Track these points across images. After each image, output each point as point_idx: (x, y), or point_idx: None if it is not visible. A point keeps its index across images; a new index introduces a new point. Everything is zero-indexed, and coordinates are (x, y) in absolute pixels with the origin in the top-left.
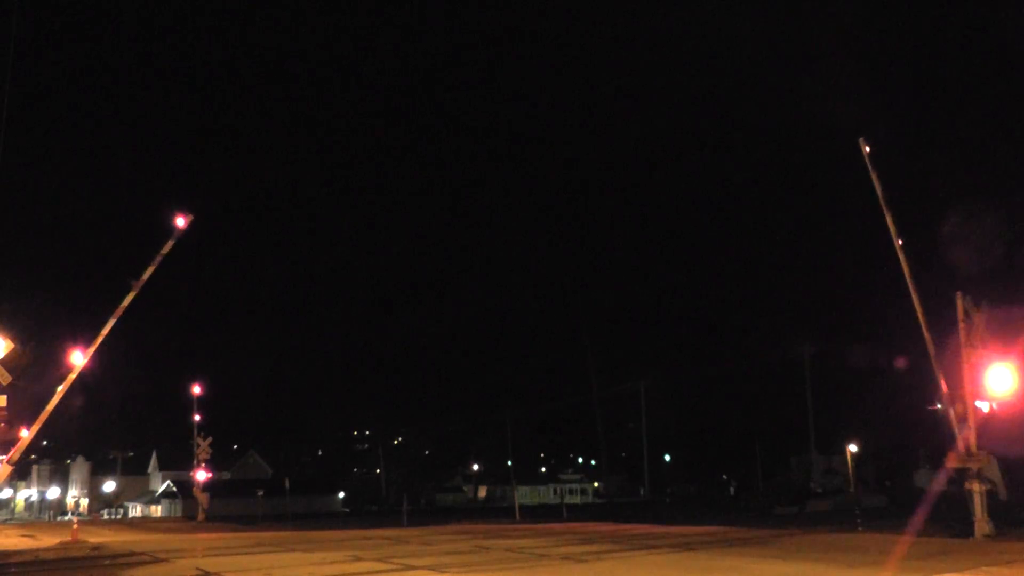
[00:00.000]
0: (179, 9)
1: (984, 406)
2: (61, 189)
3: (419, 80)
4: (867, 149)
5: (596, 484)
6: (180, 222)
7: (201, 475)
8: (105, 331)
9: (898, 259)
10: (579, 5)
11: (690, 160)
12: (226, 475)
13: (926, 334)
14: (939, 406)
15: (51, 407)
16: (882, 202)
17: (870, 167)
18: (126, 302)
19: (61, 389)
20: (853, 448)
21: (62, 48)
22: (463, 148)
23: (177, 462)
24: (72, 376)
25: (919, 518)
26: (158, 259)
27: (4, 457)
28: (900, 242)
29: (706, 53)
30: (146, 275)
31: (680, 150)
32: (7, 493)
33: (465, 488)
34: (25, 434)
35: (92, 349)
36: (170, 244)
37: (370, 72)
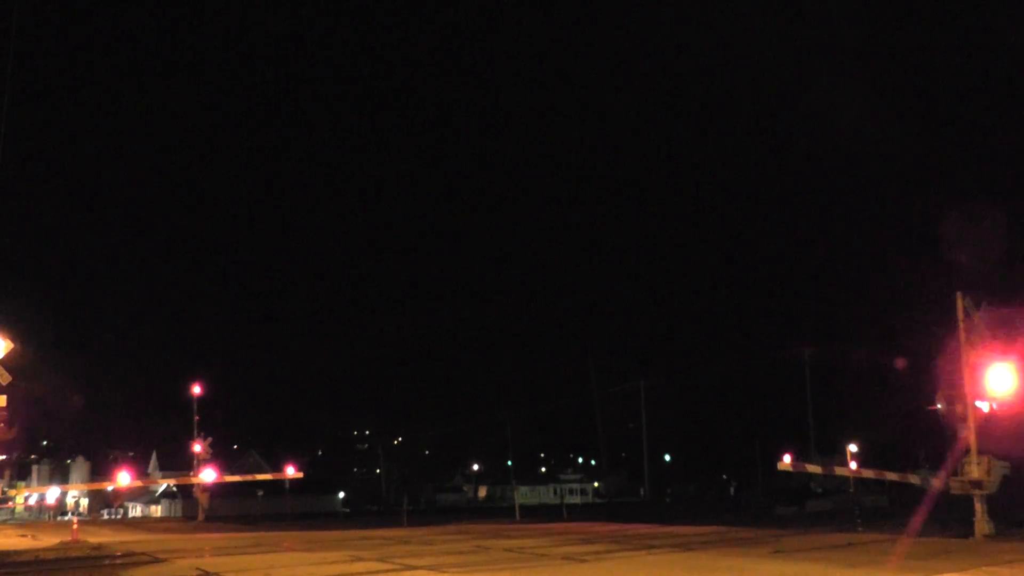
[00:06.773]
0: None
1: (984, 406)
2: (61, 190)
3: (415, 77)
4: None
5: (596, 484)
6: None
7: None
8: None
9: (898, 260)
10: (581, 7)
11: (690, 160)
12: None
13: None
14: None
15: None
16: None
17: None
18: None
19: None
20: (853, 448)
21: (46, 43)
22: (463, 147)
23: (177, 462)
24: None
25: (918, 519)
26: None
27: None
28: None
29: (703, 54)
30: None
31: (680, 150)
32: None
33: (465, 488)
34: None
35: None
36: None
37: (367, 74)
